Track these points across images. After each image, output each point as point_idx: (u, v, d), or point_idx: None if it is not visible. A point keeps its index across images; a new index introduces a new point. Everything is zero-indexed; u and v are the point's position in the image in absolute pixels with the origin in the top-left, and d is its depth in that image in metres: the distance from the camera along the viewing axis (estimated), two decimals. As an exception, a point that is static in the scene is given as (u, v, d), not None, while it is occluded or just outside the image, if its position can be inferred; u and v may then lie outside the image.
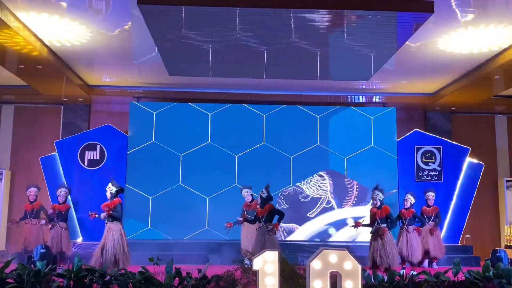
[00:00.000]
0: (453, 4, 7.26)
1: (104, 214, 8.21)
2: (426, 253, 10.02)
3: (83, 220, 11.55)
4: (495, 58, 9.32)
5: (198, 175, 11.89)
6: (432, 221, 10.20)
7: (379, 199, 8.61)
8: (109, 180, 8.66)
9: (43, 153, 11.96)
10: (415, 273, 5.48)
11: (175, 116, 12.19)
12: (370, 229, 8.64)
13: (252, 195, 10.00)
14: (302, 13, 7.13)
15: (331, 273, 3.87)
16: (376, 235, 8.45)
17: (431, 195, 10.31)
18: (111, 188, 8.49)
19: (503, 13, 7.64)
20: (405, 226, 9.50)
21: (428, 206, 10.29)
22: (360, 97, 12.40)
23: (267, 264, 4.03)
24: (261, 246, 8.37)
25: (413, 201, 9.73)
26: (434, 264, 10.05)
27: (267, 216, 8.66)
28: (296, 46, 8.51)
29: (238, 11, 7.08)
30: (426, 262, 10.13)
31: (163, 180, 11.86)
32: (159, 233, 11.55)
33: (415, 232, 9.52)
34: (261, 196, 8.83)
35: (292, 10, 7.03)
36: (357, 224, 8.84)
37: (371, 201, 8.90)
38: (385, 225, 8.43)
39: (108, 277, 5.26)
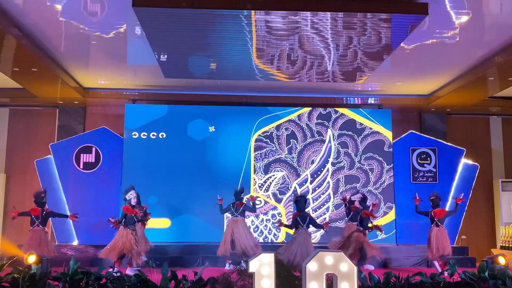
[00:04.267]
0: (447, 6, 7.29)
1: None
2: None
3: (78, 223, 11.52)
4: (490, 60, 9.36)
5: (194, 177, 11.88)
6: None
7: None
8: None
9: (38, 156, 11.94)
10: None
11: (171, 118, 12.19)
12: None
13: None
14: (298, 15, 7.15)
15: (327, 275, 3.88)
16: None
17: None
18: (134, 195, 9.24)
19: (497, 14, 7.68)
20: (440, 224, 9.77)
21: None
22: (356, 98, 12.42)
23: (263, 266, 4.03)
24: (305, 250, 8.87)
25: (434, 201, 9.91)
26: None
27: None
28: (290, 48, 8.54)
29: (233, 13, 7.10)
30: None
31: (159, 182, 11.85)
32: (155, 236, 11.51)
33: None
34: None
35: (287, 12, 7.06)
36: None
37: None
38: None
39: (104, 280, 5.24)
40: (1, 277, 5.12)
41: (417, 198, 9.88)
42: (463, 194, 9.99)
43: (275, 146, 12.19)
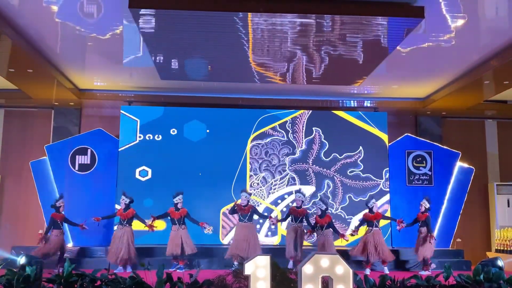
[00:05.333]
0: (443, 9, 7.31)
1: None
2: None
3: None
4: (485, 63, 9.39)
5: (190, 179, 11.85)
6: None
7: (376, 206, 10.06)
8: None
9: (33, 158, 11.89)
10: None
11: (167, 120, 12.17)
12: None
13: (248, 200, 10.01)
14: (295, 18, 7.16)
15: (322, 277, 3.87)
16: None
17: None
18: (125, 200, 9.83)
19: (493, 18, 7.71)
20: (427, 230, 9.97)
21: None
22: (352, 101, 12.44)
23: (258, 269, 4.02)
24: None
25: (427, 205, 10.08)
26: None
27: (327, 226, 9.73)
28: (287, 51, 8.54)
29: (229, 15, 7.10)
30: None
31: (154, 185, 11.82)
32: (150, 238, 11.48)
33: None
34: (320, 208, 9.86)
35: (283, 15, 7.06)
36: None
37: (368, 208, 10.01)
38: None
39: (98, 282, 5.22)
40: (-5, 279, 5.09)
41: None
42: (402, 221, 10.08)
43: (277, 146, 12.19)
